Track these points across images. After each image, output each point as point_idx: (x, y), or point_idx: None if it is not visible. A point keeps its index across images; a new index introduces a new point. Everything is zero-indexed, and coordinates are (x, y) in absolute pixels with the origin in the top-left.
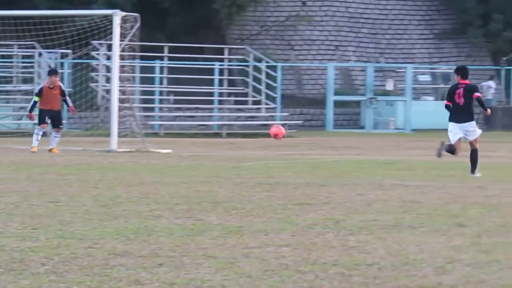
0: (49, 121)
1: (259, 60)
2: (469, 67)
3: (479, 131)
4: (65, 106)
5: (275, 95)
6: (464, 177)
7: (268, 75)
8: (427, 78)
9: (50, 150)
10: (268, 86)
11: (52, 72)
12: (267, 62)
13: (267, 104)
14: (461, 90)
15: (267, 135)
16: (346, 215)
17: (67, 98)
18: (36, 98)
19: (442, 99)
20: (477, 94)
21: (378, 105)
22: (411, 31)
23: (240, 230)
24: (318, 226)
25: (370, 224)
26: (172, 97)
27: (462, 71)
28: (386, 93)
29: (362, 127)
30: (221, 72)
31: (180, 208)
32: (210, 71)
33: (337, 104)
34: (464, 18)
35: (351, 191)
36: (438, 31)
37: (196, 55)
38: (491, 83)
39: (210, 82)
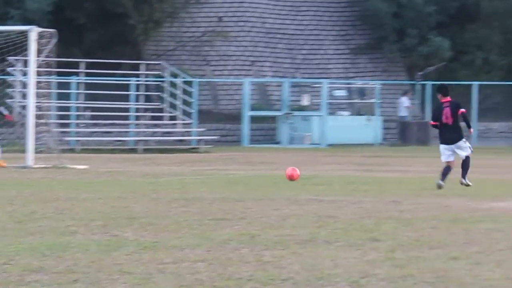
0: None
1: (175, 75)
2: (384, 82)
3: (469, 147)
4: None
5: (191, 111)
6: (379, 192)
7: (184, 91)
8: (342, 93)
9: None
10: (184, 102)
11: None
12: (183, 77)
13: (183, 119)
14: (448, 110)
15: (183, 151)
16: (261, 230)
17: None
18: None
19: (358, 114)
20: (462, 110)
21: (294, 120)
22: (326, 46)
23: (156, 245)
24: (234, 241)
25: (285, 239)
26: (88, 113)
27: (443, 90)
28: (302, 108)
29: (278, 142)
30: (137, 87)
31: (96, 224)
32: (127, 87)
33: (253, 119)
34: (380, 33)
35: (267, 206)
36: (354, 46)
37: (113, 71)
38: (407, 99)
39: (127, 98)
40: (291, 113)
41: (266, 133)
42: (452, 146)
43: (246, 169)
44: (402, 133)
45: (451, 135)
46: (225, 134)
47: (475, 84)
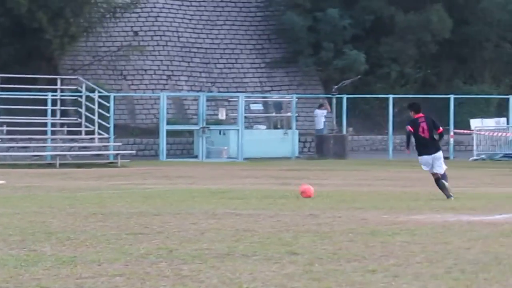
0: None
1: (91, 90)
2: (301, 95)
3: (444, 166)
4: None
5: (108, 125)
6: (297, 206)
7: (101, 105)
8: (259, 107)
9: None
10: (101, 116)
11: None
12: (100, 92)
13: (100, 134)
14: (424, 125)
15: (100, 165)
16: (179, 244)
17: None
18: None
19: (275, 128)
20: (441, 129)
21: (210, 134)
22: (242, 60)
23: (74, 260)
24: (152, 256)
25: (203, 253)
26: (5, 128)
27: (415, 107)
28: (219, 122)
29: (196, 156)
30: (54, 102)
31: (14, 239)
32: (43, 102)
33: (170, 133)
34: (295, 47)
35: (184, 220)
36: (270, 60)
37: (29, 86)
38: (323, 112)
39: (44, 113)
40: (207, 127)
41: (183, 147)
42: (433, 156)
43: (163, 183)
44: (319, 147)
45: (429, 146)
46: (143, 149)
47: (391, 97)
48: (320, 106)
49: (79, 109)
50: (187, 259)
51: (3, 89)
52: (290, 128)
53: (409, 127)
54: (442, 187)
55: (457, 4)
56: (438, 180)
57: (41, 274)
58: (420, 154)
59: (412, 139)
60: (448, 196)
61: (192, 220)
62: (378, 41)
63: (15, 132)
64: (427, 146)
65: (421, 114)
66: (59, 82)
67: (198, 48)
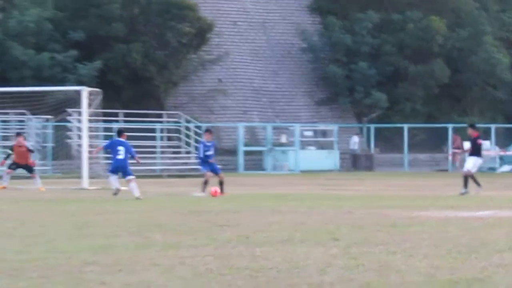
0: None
1: (188, 121)
2: (340, 125)
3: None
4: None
5: None
6: (338, 205)
7: (195, 133)
8: (310, 133)
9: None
10: (196, 141)
11: (18, 134)
12: (194, 123)
13: (195, 154)
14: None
15: (196, 176)
16: (253, 233)
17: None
18: (10, 152)
19: (322, 148)
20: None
21: (275, 153)
22: (297, 99)
23: (177, 244)
24: (233, 241)
25: (270, 239)
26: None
27: (473, 126)
28: (281, 144)
29: (264, 169)
30: (161, 130)
31: (133, 229)
32: (153, 130)
33: (245, 153)
34: (336, 90)
35: (257, 216)
36: (317, 99)
37: (143, 118)
38: (356, 137)
39: (154, 138)
40: (273, 148)
41: (255, 162)
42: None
43: (241, 189)
44: (354, 162)
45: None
46: (225, 164)
47: (405, 126)
48: (357, 134)
49: (179, 135)
50: (259, 243)
51: (125, 121)
52: (332, 148)
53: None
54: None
55: (453, 58)
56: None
57: (153, 254)
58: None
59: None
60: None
61: (262, 215)
62: (396, 85)
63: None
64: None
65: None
66: (165, 116)
67: (265, 90)
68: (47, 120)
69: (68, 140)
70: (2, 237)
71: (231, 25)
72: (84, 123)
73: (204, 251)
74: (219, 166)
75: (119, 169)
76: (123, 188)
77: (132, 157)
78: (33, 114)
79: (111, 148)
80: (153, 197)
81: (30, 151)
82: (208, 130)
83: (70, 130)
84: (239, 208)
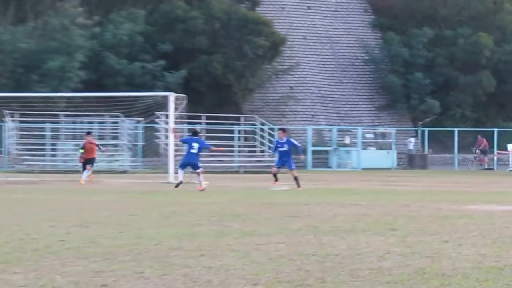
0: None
1: (263, 124)
2: (397, 128)
3: None
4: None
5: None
6: (395, 199)
7: (269, 134)
8: (371, 135)
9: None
10: (269, 141)
11: (88, 133)
12: (268, 126)
13: (268, 152)
14: None
15: (269, 172)
16: (320, 223)
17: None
18: (81, 150)
19: (381, 149)
20: None
21: (339, 153)
22: (360, 105)
23: (253, 233)
24: (302, 230)
25: (336, 229)
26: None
27: None
28: (345, 145)
29: (330, 167)
30: (239, 132)
31: (214, 219)
32: (232, 132)
33: (313, 152)
34: (394, 97)
35: (323, 208)
36: (378, 105)
37: (223, 121)
38: (412, 139)
39: (232, 138)
40: (338, 148)
41: (322, 161)
42: None
43: (309, 184)
44: (410, 161)
45: None
46: (296, 161)
47: (456, 130)
48: (413, 136)
49: (255, 136)
50: (325, 232)
51: (207, 123)
52: (391, 149)
53: None
54: None
55: (498, 70)
56: None
57: (231, 241)
58: None
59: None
60: None
61: (329, 207)
62: (448, 93)
63: (214, 150)
64: None
65: None
66: (242, 119)
67: (331, 97)
68: (138, 121)
69: (156, 140)
70: (97, 224)
71: (301, 39)
72: (171, 125)
73: (276, 238)
74: (294, 162)
75: (190, 163)
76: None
77: (208, 149)
78: (126, 116)
79: (187, 142)
80: (232, 190)
81: (99, 148)
82: (281, 129)
83: (158, 131)
84: (307, 201)
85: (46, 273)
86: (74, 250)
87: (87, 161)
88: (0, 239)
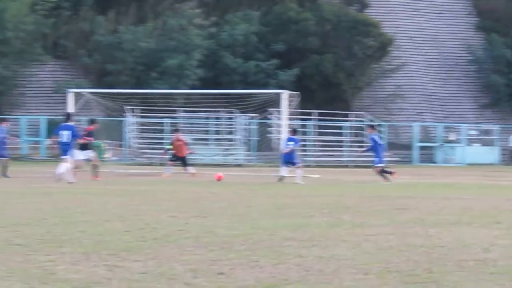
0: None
1: (371, 121)
2: (500, 126)
3: None
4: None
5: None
6: (500, 193)
7: (377, 131)
8: (474, 132)
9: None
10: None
11: (176, 130)
12: (377, 122)
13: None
14: None
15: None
16: (426, 216)
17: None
18: (168, 146)
19: (485, 145)
20: None
21: (445, 148)
22: (464, 103)
23: (362, 224)
24: (410, 222)
25: (442, 221)
26: (319, 143)
27: None
28: (450, 141)
29: (435, 162)
30: (348, 128)
31: (325, 211)
32: (341, 128)
33: (419, 148)
34: (497, 95)
35: (429, 201)
36: (481, 103)
37: (333, 117)
38: None
39: (341, 134)
40: (443, 144)
41: (427, 156)
42: None
43: (415, 178)
44: None
45: None
46: (402, 157)
47: None
48: None
49: (363, 132)
50: (432, 225)
51: (318, 120)
52: (494, 145)
53: None
54: None
55: None
56: None
57: (342, 232)
58: None
59: None
60: None
61: (433, 201)
62: None
63: (325, 145)
64: None
65: None
66: (351, 116)
67: (436, 95)
68: (252, 117)
69: (269, 135)
70: (214, 215)
71: (408, 40)
72: (284, 121)
73: (385, 230)
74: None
75: (287, 160)
76: (315, 176)
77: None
78: (241, 112)
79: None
80: (342, 184)
81: (187, 145)
82: (370, 126)
83: (271, 126)
84: (414, 194)
85: (165, 261)
86: (192, 239)
87: (177, 159)
88: (121, 228)
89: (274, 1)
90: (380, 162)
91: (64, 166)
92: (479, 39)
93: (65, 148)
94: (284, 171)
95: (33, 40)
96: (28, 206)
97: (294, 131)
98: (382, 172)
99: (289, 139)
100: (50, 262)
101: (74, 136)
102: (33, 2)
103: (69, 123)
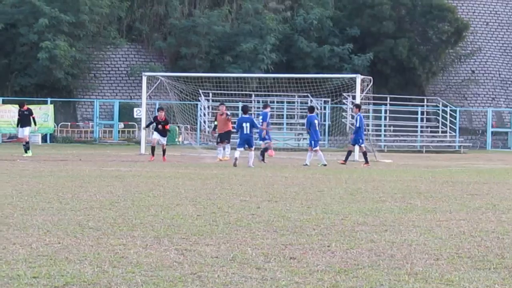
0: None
1: (445, 106)
2: None
3: None
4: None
5: (455, 128)
6: None
7: (451, 115)
8: None
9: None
10: (451, 122)
11: (221, 103)
12: (450, 107)
13: (450, 133)
14: None
15: (450, 152)
16: (499, 202)
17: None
18: (215, 122)
19: None
20: None
21: None
22: None
23: (434, 210)
24: (482, 208)
25: None
26: (392, 128)
27: None
28: None
29: (509, 148)
30: (421, 113)
31: (397, 196)
32: (415, 113)
33: (493, 133)
34: None
35: (502, 187)
36: None
37: (406, 102)
38: None
39: (415, 119)
40: None
41: (501, 142)
42: None
43: (488, 164)
44: None
45: None
46: (476, 142)
47: None
48: None
49: (437, 117)
50: (504, 210)
51: (391, 105)
52: None
53: None
54: None
55: None
56: None
57: (414, 218)
58: None
59: None
60: None
61: (507, 186)
62: None
63: (398, 131)
64: None
65: None
66: (425, 101)
67: (511, 81)
68: (326, 102)
69: (343, 120)
70: (286, 199)
71: (484, 25)
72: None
73: (457, 215)
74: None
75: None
76: (387, 160)
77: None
78: (314, 96)
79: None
80: (414, 169)
81: (229, 118)
82: (356, 105)
83: (344, 111)
84: (487, 180)
85: (237, 245)
86: (264, 224)
87: (221, 137)
88: (194, 212)
89: None
90: (363, 142)
91: (252, 154)
92: None
93: (247, 138)
94: (321, 157)
95: (107, 23)
96: (100, 189)
97: (311, 109)
98: (365, 154)
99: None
100: (121, 245)
101: (253, 126)
102: None
103: (247, 115)
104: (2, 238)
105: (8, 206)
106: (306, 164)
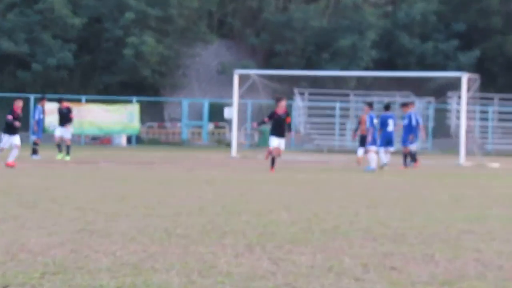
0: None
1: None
2: None
3: None
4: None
5: None
6: None
7: None
8: None
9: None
10: None
11: (369, 104)
12: None
13: None
14: None
15: None
16: None
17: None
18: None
19: None
20: None
21: None
22: None
23: None
24: None
25: None
26: (500, 130)
27: None
28: None
29: None
30: None
31: (506, 203)
32: None
33: None
34: None
35: None
36: None
37: None
38: None
39: None
40: None
41: None
42: None
43: None
44: None
45: None
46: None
47: None
48: None
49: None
50: None
51: (499, 105)
52: None
53: None
54: None
55: None
56: None
57: None
58: None
59: None
60: None
61: None
62: None
63: (507, 133)
64: None
65: None
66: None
67: None
68: (429, 102)
69: (448, 121)
70: (386, 205)
71: None
72: (463, 106)
73: None
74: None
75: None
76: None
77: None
78: (417, 96)
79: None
80: None
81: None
82: (368, 104)
83: (449, 111)
84: None
85: (334, 254)
86: (362, 231)
87: (361, 139)
88: (288, 219)
89: None
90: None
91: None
92: None
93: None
94: (384, 156)
95: (197, 18)
96: (189, 194)
97: (387, 107)
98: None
99: (389, 117)
100: (211, 254)
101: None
102: None
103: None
104: (85, 246)
105: (91, 212)
106: (385, 164)
